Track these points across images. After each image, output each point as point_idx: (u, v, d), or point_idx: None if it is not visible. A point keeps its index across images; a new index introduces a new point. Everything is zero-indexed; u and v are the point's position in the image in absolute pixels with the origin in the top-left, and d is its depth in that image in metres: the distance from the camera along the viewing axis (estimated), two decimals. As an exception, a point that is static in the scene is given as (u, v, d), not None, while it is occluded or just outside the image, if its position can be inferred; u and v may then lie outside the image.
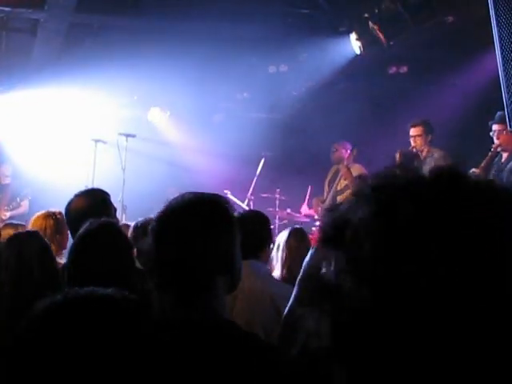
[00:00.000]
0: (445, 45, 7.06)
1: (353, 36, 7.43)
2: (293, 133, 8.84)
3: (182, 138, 9.04)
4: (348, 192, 6.66)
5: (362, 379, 0.59)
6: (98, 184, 5.60)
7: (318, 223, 6.75)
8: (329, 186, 7.32)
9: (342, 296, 0.60)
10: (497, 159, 5.58)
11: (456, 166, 0.65)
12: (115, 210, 3.37)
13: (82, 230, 2.39)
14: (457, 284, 0.56)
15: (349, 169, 6.80)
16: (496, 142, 5.48)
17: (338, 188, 7.06)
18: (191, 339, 1.52)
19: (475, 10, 5.55)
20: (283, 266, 3.49)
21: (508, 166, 5.38)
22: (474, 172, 5.43)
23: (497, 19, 4.36)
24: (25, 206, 7.53)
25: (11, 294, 2.71)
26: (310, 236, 4.47)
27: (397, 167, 0.66)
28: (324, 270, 0.64)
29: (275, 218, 7.20)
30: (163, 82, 7.71)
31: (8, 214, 7.38)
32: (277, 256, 3.56)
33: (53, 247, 3.16)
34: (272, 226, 4.16)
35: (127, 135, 7.40)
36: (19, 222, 4.74)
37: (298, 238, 3.57)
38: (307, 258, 1.98)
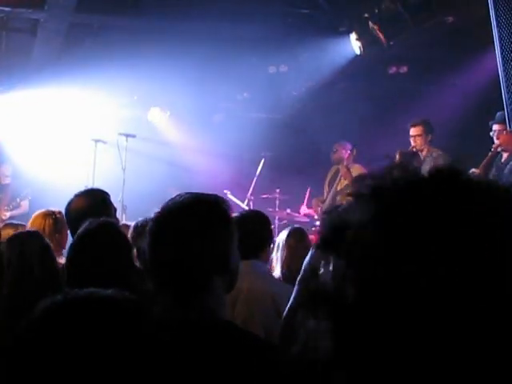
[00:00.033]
0: (445, 45, 7.06)
1: (353, 36, 7.43)
2: (293, 133, 8.84)
3: (182, 138, 9.04)
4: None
5: (363, 382, 0.59)
6: (98, 184, 5.61)
7: (317, 223, 6.75)
8: (329, 186, 7.32)
9: (341, 301, 0.60)
10: (497, 159, 5.58)
11: (455, 165, 0.65)
12: (115, 209, 3.37)
13: (81, 230, 2.39)
14: (456, 284, 0.56)
15: (348, 169, 6.81)
16: (496, 141, 5.48)
17: (338, 188, 7.06)
18: (189, 339, 1.52)
19: (475, 9, 5.55)
20: (283, 266, 3.49)
21: (508, 166, 5.38)
22: (473, 172, 5.43)
23: (497, 19, 4.36)
24: (25, 206, 7.53)
25: (12, 294, 2.72)
26: (311, 236, 4.47)
27: (395, 167, 0.66)
28: (322, 273, 0.63)
29: (275, 218, 7.20)
30: (163, 82, 7.71)
31: (8, 214, 7.38)
32: (277, 256, 3.56)
33: (52, 246, 3.16)
34: (272, 226, 4.16)
35: (127, 135, 7.40)
36: (19, 222, 4.73)
37: (297, 238, 3.57)
38: (307, 258, 1.98)
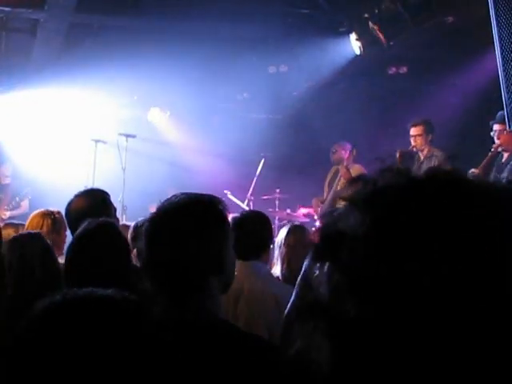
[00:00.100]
0: (445, 45, 7.07)
1: (353, 36, 7.43)
2: (293, 133, 8.85)
3: (182, 138, 9.04)
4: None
5: None
6: (98, 184, 5.61)
7: (317, 223, 6.75)
8: (329, 186, 7.32)
9: (340, 315, 0.59)
10: (497, 159, 5.57)
11: (451, 166, 0.64)
12: (115, 209, 3.37)
13: (80, 230, 2.39)
14: (458, 282, 0.55)
15: (348, 169, 6.80)
16: (496, 141, 5.48)
17: (338, 188, 7.06)
18: (186, 340, 1.51)
19: (475, 10, 5.55)
20: (283, 263, 3.48)
21: (508, 166, 5.38)
22: (473, 172, 5.43)
23: (497, 19, 4.36)
24: (25, 205, 7.52)
25: (14, 296, 2.72)
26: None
27: (387, 170, 0.65)
28: (318, 283, 0.62)
29: (275, 218, 7.20)
30: (163, 82, 7.71)
31: (8, 213, 7.37)
32: (277, 253, 3.55)
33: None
34: (272, 227, 4.16)
35: (127, 135, 7.40)
36: (20, 222, 4.73)
37: (297, 236, 3.54)
38: (305, 264, 1.97)
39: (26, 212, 6.99)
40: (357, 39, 7.39)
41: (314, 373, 0.61)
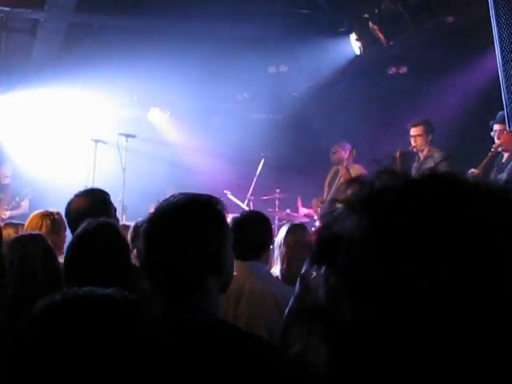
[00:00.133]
0: (445, 45, 7.07)
1: (353, 36, 7.43)
2: (293, 133, 8.85)
3: (182, 138, 9.04)
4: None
5: None
6: (98, 184, 5.60)
7: (317, 223, 6.75)
8: (329, 186, 7.32)
9: (337, 318, 0.59)
10: (498, 159, 5.57)
11: (452, 167, 0.64)
12: (115, 209, 3.37)
13: (79, 230, 2.39)
14: (455, 284, 0.55)
15: (348, 170, 6.80)
16: (497, 141, 5.47)
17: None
18: (184, 340, 1.51)
19: (475, 10, 5.55)
20: (282, 263, 3.47)
21: (509, 166, 5.38)
22: (473, 172, 5.43)
23: (497, 19, 4.36)
24: (25, 205, 7.52)
25: (14, 296, 2.72)
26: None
27: (383, 172, 0.65)
28: (316, 286, 0.62)
29: (275, 218, 7.20)
30: (163, 82, 7.71)
31: (8, 213, 7.37)
32: (276, 253, 3.54)
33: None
34: (272, 227, 4.16)
35: (127, 135, 7.40)
36: (19, 222, 4.73)
37: (296, 235, 3.54)
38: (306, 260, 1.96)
39: (26, 212, 7.00)
40: (357, 39, 7.39)
41: (311, 375, 0.61)
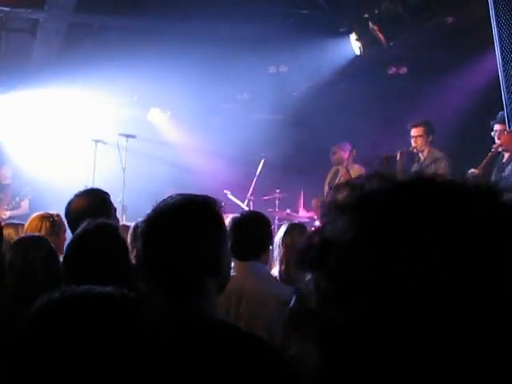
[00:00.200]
0: (445, 45, 7.06)
1: (353, 36, 7.43)
2: (293, 133, 8.84)
3: (182, 138, 9.04)
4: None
5: None
6: (98, 184, 5.60)
7: (317, 223, 6.74)
8: (329, 186, 7.31)
9: (327, 322, 0.58)
10: (498, 159, 5.57)
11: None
12: (115, 210, 3.37)
13: (79, 230, 2.39)
14: (446, 285, 0.55)
15: (348, 170, 6.80)
16: (497, 141, 5.47)
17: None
18: (182, 341, 1.51)
19: (475, 10, 5.55)
20: (281, 264, 3.47)
21: (509, 166, 5.38)
22: (473, 172, 5.43)
23: (497, 20, 4.36)
24: (25, 206, 7.52)
25: (15, 296, 2.72)
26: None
27: (376, 175, 0.65)
28: (306, 291, 0.62)
29: (275, 218, 7.20)
30: (163, 83, 7.71)
31: (8, 213, 7.37)
32: (276, 253, 3.54)
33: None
34: (272, 227, 4.16)
35: (127, 136, 7.40)
36: (19, 222, 4.73)
37: (295, 235, 3.53)
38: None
39: (26, 212, 7.00)
40: (357, 39, 7.39)
41: (304, 379, 0.61)
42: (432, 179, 0.63)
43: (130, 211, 6.91)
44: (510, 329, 0.55)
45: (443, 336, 0.55)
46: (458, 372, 0.55)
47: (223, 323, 1.70)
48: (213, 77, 8.14)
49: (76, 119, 8.38)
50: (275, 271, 3.48)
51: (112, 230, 2.44)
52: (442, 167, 5.96)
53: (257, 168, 7.68)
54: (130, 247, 2.69)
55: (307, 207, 7.32)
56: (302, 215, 7.26)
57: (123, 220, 6.16)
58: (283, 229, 3.63)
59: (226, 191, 7.45)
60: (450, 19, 6.53)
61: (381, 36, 7.03)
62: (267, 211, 6.43)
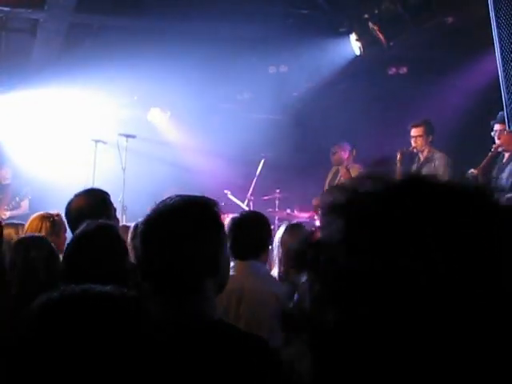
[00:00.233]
0: (445, 45, 7.06)
1: (353, 36, 7.43)
2: (293, 133, 8.84)
3: (182, 138, 9.04)
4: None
5: None
6: (98, 184, 5.60)
7: (317, 223, 6.74)
8: (329, 186, 7.31)
9: (321, 326, 0.59)
10: (498, 159, 5.56)
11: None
12: (115, 209, 3.37)
13: (78, 231, 2.39)
14: (456, 281, 0.55)
15: (348, 170, 6.81)
16: (497, 141, 5.47)
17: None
18: (181, 341, 1.51)
19: (475, 10, 5.55)
20: (280, 264, 3.47)
21: (509, 167, 5.38)
22: (473, 172, 5.43)
23: (497, 20, 4.37)
24: (25, 206, 7.52)
25: (17, 295, 2.73)
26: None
27: (368, 177, 0.65)
28: (300, 293, 0.62)
29: (275, 218, 7.19)
30: (163, 83, 7.71)
31: (8, 213, 7.37)
32: (275, 253, 3.54)
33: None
34: (272, 227, 4.16)
35: (127, 136, 7.40)
36: (20, 222, 4.73)
37: (293, 235, 3.53)
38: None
39: (26, 212, 7.00)
40: (357, 39, 7.39)
41: (296, 381, 0.61)
42: (421, 180, 0.63)
43: (131, 211, 6.91)
44: (508, 324, 0.55)
45: (437, 339, 0.54)
46: (454, 375, 0.55)
47: (222, 323, 1.70)
48: (213, 77, 8.14)
49: (76, 119, 8.38)
50: (275, 272, 3.48)
51: (112, 231, 2.44)
52: (441, 167, 5.96)
53: (257, 168, 7.68)
54: (130, 247, 2.69)
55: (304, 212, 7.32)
56: (302, 215, 7.25)
57: (123, 220, 6.16)
58: (282, 229, 3.62)
59: (226, 191, 7.45)
60: (449, 19, 6.53)
61: (381, 36, 7.03)
62: (267, 211, 6.42)
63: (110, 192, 3.33)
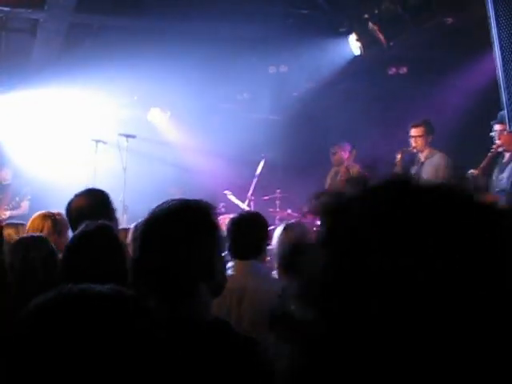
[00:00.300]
0: (445, 45, 7.07)
1: (353, 37, 7.43)
2: (293, 133, 8.84)
3: (183, 138, 9.04)
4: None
5: None
6: (98, 184, 5.61)
7: (318, 223, 6.74)
8: (329, 186, 7.31)
9: (309, 330, 0.59)
10: (499, 159, 5.56)
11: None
12: (116, 210, 3.37)
13: (77, 232, 2.39)
14: (455, 279, 0.55)
15: (348, 170, 6.81)
16: (497, 142, 5.47)
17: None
18: (177, 343, 1.51)
19: (475, 10, 5.55)
20: (279, 264, 3.47)
21: (509, 166, 5.38)
22: (472, 172, 5.43)
23: (496, 20, 4.37)
24: (25, 206, 7.52)
25: (15, 296, 2.73)
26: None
27: (350, 181, 0.65)
28: (289, 297, 0.62)
29: (276, 218, 7.19)
30: (163, 83, 7.71)
31: (8, 213, 7.37)
32: (273, 254, 3.54)
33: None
34: (272, 227, 4.16)
35: (127, 136, 7.41)
36: (19, 222, 4.73)
37: (291, 234, 3.52)
38: None
39: (26, 212, 7.00)
40: (357, 39, 7.39)
41: (281, 380, 0.61)
42: (406, 182, 0.63)
43: (131, 211, 6.92)
44: (508, 324, 0.55)
45: (437, 339, 0.55)
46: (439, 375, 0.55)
47: (216, 326, 1.70)
48: (213, 77, 8.14)
49: (76, 119, 8.39)
50: (275, 272, 3.48)
51: (111, 232, 2.44)
52: (441, 167, 5.96)
53: (257, 168, 7.68)
54: (130, 247, 2.69)
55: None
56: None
57: (124, 219, 6.17)
58: (280, 228, 3.63)
59: (226, 191, 7.45)
60: (449, 19, 6.53)
61: (381, 36, 7.03)
62: (268, 211, 6.43)
63: (110, 192, 3.33)
